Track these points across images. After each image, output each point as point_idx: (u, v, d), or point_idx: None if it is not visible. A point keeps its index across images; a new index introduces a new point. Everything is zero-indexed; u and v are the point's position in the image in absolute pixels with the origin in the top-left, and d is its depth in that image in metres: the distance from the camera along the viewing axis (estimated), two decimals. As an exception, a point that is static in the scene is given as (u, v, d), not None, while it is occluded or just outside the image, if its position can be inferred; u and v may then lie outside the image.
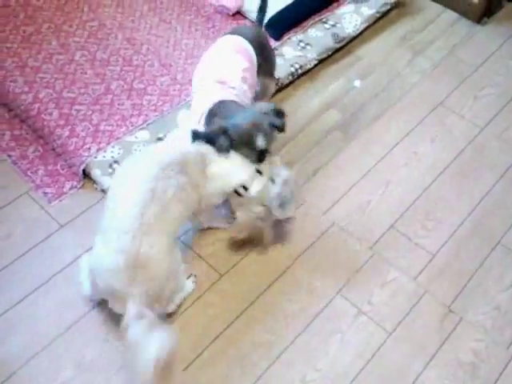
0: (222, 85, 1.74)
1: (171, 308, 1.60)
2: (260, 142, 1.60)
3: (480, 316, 1.69)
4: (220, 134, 1.58)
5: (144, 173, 1.51)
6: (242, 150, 1.61)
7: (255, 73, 1.88)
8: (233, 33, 1.91)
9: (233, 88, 1.74)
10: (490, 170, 2.06)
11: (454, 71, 2.40)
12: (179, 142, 1.63)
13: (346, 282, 1.73)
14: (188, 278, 1.68)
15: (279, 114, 1.67)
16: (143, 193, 1.47)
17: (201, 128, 1.70)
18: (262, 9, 2.04)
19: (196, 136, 1.59)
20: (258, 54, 1.88)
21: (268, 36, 2.06)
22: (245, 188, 1.63)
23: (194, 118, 1.74)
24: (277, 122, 1.64)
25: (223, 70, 1.78)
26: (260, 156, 1.63)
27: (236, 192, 1.64)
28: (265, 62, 1.93)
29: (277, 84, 2.17)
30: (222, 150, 1.59)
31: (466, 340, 1.64)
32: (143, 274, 1.44)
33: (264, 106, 1.69)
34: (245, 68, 1.80)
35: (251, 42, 1.87)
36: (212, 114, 1.69)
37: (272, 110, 1.66)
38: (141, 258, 1.43)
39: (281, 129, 1.66)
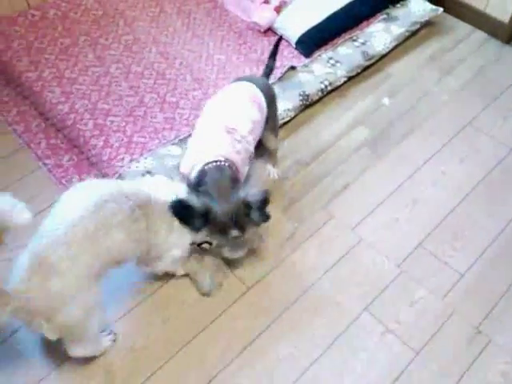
0: (229, 134, 1.67)
1: (69, 350, 1.47)
2: (233, 233, 1.58)
3: (509, 338, 1.67)
4: (197, 217, 1.53)
5: (102, 190, 1.44)
6: (215, 235, 1.59)
7: (262, 127, 1.83)
8: (247, 80, 1.84)
9: (238, 141, 1.68)
10: (520, 191, 2.06)
11: (483, 91, 2.40)
12: (156, 187, 1.56)
13: (373, 299, 1.74)
14: (107, 334, 1.57)
15: (264, 205, 1.60)
16: (89, 204, 1.39)
17: (183, 180, 1.67)
18: (273, 59, 1.99)
19: (175, 207, 1.52)
20: (267, 107, 1.83)
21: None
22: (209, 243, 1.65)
23: (187, 162, 1.69)
24: (257, 217, 1.59)
25: (235, 118, 1.72)
26: (233, 240, 1.61)
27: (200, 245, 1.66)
28: (272, 116, 1.88)
29: (306, 100, 2.20)
30: (194, 229, 1.56)
31: (495, 362, 1.63)
32: (42, 280, 1.32)
33: (253, 195, 1.59)
34: (255, 120, 1.75)
35: (264, 93, 1.82)
36: (202, 176, 1.62)
37: (259, 201, 1.58)
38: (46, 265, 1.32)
39: (259, 224, 1.62)
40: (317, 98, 2.26)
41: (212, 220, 1.55)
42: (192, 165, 1.67)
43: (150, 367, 1.57)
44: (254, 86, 1.81)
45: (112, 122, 2.06)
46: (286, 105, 2.16)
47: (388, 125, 2.25)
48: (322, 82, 2.26)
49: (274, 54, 2.00)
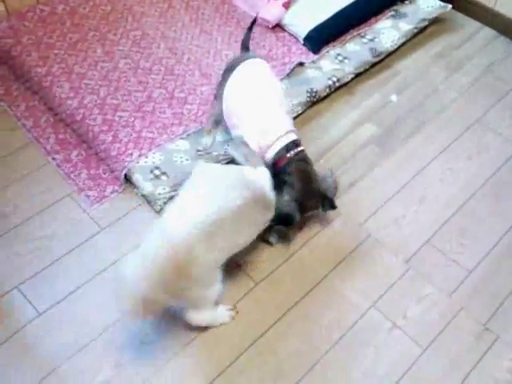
0: (282, 107, 1.83)
1: (189, 316, 1.58)
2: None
3: (516, 335, 1.68)
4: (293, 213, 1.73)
5: (230, 177, 1.54)
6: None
7: None
8: (246, 57, 1.92)
9: (287, 112, 1.86)
10: (528, 188, 2.06)
11: (491, 89, 2.40)
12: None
13: (381, 294, 1.74)
14: (228, 309, 1.67)
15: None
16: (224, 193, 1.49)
17: (269, 155, 1.79)
18: (248, 36, 2.08)
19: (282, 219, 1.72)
20: None
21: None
22: None
23: (263, 142, 1.78)
24: (328, 208, 1.82)
25: (276, 92, 1.85)
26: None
27: None
28: None
29: (313, 97, 2.21)
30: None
31: (502, 359, 1.63)
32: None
33: (330, 187, 1.82)
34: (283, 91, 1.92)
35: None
36: (286, 164, 1.76)
37: (334, 194, 1.83)
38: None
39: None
40: (324, 94, 2.26)
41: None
42: (261, 144, 1.77)
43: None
44: (264, 61, 1.92)
45: (121, 117, 2.07)
46: (293, 101, 2.16)
47: (395, 122, 2.25)
48: (329, 79, 2.26)
49: (249, 31, 2.08)
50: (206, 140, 2.02)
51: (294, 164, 1.76)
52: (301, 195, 1.74)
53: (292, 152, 1.77)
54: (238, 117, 1.84)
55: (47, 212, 1.89)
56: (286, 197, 1.71)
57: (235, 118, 1.84)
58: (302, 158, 1.79)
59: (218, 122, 1.98)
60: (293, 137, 1.80)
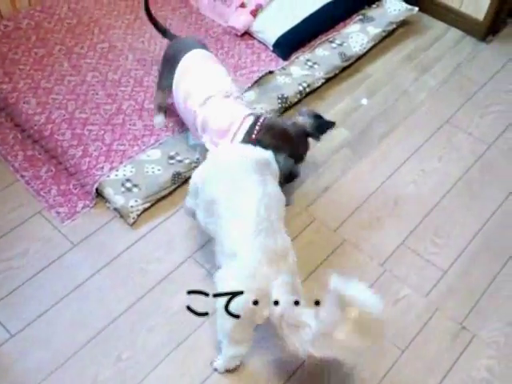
0: (228, 98, 1.84)
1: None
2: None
3: (492, 332, 1.69)
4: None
5: (246, 177, 1.53)
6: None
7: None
8: (188, 47, 1.96)
9: (238, 97, 1.89)
10: (499, 185, 2.08)
11: (460, 89, 2.42)
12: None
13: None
14: None
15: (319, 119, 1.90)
16: (257, 196, 1.48)
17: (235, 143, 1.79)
18: (153, 20, 2.15)
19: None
20: None
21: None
22: None
23: (224, 137, 1.81)
24: (321, 133, 1.87)
25: (219, 83, 1.87)
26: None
27: None
28: None
29: (285, 103, 2.21)
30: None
31: (479, 357, 1.64)
32: (285, 264, 1.44)
33: (307, 123, 1.85)
34: (227, 73, 1.95)
35: (204, 48, 2.00)
36: (259, 132, 1.78)
37: (315, 122, 1.87)
38: (280, 251, 1.44)
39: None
40: (295, 100, 2.26)
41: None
42: (231, 137, 1.80)
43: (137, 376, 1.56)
44: (202, 50, 1.96)
45: (90, 131, 2.04)
46: (265, 108, 2.16)
47: (367, 125, 2.26)
48: (300, 84, 2.27)
49: (149, 14, 2.14)
50: (156, 120, 2.09)
51: (264, 135, 1.77)
52: (288, 148, 1.76)
53: (255, 131, 1.78)
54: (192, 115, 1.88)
55: (17, 231, 1.86)
56: (280, 158, 1.71)
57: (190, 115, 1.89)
58: (268, 125, 1.79)
59: (163, 107, 2.10)
60: (249, 121, 1.81)
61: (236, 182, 1.53)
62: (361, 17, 2.58)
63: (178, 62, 1.92)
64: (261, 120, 1.80)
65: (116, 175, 1.92)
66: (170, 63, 1.95)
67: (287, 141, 1.79)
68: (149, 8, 2.12)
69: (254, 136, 1.77)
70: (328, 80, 2.37)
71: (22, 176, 1.97)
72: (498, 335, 1.68)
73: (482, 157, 2.17)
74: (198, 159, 1.97)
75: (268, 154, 1.63)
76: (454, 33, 2.68)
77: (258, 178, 1.51)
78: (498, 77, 2.48)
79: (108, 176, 1.91)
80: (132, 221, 1.87)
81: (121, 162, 1.95)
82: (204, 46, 2.02)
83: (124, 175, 1.92)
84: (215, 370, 1.58)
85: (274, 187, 1.55)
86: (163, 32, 2.15)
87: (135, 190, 1.89)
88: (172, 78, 1.93)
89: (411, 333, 1.68)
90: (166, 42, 2.41)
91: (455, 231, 1.93)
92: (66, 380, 1.55)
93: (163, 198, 1.94)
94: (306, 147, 1.86)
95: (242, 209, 1.48)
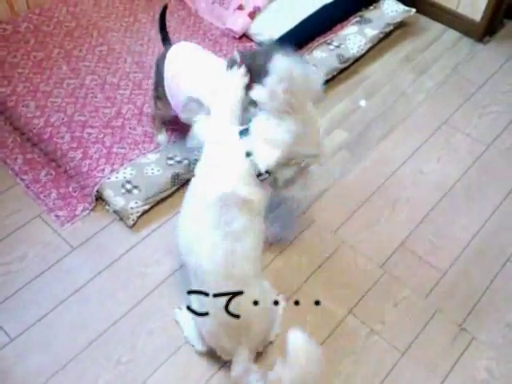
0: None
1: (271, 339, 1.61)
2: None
3: (492, 334, 1.69)
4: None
5: (206, 218, 1.46)
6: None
7: None
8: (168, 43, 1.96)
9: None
10: (498, 186, 2.08)
11: (458, 90, 2.43)
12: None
13: (357, 301, 1.74)
14: (276, 304, 1.62)
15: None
16: (216, 243, 1.43)
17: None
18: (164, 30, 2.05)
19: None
20: None
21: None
22: None
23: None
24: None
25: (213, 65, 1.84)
26: None
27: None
28: None
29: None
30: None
31: (479, 358, 1.64)
32: (248, 335, 1.45)
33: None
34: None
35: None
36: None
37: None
38: (243, 323, 1.43)
39: None
40: (294, 102, 2.26)
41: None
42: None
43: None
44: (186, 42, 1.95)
45: (90, 133, 2.04)
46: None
47: (365, 127, 2.26)
48: (298, 87, 2.27)
49: (163, 25, 2.04)
50: (160, 138, 2.05)
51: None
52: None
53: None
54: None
55: (17, 234, 1.86)
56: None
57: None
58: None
59: (166, 120, 2.04)
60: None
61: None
62: (358, 18, 2.59)
63: (164, 59, 1.89)
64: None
65: (116, 177, 1.92)
66: (159, 66, 1.92)
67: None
68: (165, 18, 2.04)
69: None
70: (326, 82, 2.37)
71: (22, 179, 1.97)
72: (497, 336, 1.69)
73: (480, 157, 2.18)
74: (195, 160, 1.97)
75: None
76: (452, 34, 2.69)
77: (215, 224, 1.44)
78: (496, 77, 2.49)
79: (109, 178, 1.91)
80: (132, 223, 1.87)
81: (121, 165, 1.96)
82: None
83: (124, 177, 1.92)
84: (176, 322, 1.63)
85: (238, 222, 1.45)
86: (165, 44, 2.05)
87: (135, 191, 1.89)
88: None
89: (411, 335, 1.68)
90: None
91: (454, 232, 1.94)
92: (67, 383, 1.55)
93: (163, 200, 1.94)
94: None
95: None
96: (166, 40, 2.03)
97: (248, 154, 1.47)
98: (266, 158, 1.46)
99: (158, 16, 2.05)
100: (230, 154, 1.51)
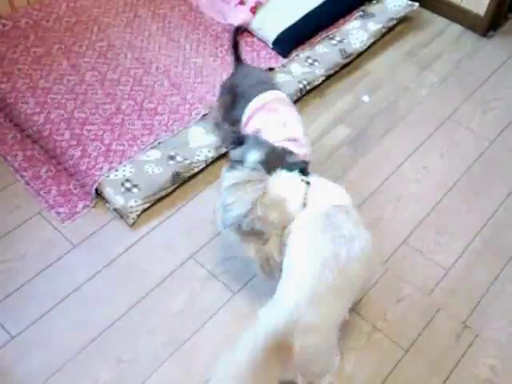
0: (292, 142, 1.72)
1: None
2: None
3: (496, 331, 1.68)
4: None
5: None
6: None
7: None
8: (268, 87, 1.86)
9: (303, 146, 1.75)
10: (501, 182, 2.06)
11: (462, 85, 2.41)
12: None
13: (359, 298, 1.73)
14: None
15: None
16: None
17: None
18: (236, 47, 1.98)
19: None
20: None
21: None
22: None
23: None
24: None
25: (294, 127, 1.77)
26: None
27: None
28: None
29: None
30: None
31: (483, 356, 1.63)
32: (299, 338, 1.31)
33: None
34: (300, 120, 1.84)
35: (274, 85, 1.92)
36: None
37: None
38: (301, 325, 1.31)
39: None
40: (296, 98, 2.24)
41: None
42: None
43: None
44: (280, 92, 1.86)
45: (89, 130, 2.03)
46: (265, 106, 2.14)
47: (368, 122, 2.24)
48: (300, 82, 2.25)
49: (235, 45, 1.97)
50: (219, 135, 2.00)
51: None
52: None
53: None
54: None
55: (17, 232, 1.85)
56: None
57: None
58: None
59: (218, 124, 1.99)
60: None
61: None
62: (361, 13, 2.56)
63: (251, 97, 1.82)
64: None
65: (116, 175, 1.90)
66: (235, 94, 1.88)
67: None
68: (237, 38, 1.98)
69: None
70: (328, 77, 2.35)
71: (22, 176, 1.96)
72: (501, 334, 1.67)
73: (484, 153, 2.15)
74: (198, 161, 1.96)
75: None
76: (455, 28, 2.66)
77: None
78: (500, 72, 2.46)
79: (107, 176, 1.90)
80: (132, 221, 1.86)
81: (120, 162, 1.94)
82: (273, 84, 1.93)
83: (124, 175, 1.91)
84: None
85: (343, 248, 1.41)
86: (237, 59, 1.99)
87: (135, 190, 1.87)
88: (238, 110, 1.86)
89: (414, 332, 1.67)
90: (164, 39, 2.41)
91: (458, 229, 1.92)
92: (67, 382, 1.54)
93: (163, 198, 1.93)
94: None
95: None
96: (238, 60, 1.97)
97: None
98: None
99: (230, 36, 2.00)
100: None
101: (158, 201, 1.92)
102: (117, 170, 1.92)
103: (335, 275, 1.36)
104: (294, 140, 1.73)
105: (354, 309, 1.70)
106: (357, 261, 1.40)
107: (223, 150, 2.02)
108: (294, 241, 1.47)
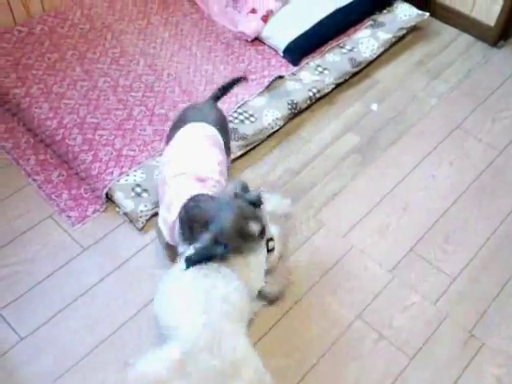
0: (202, 182, 1.61)
1: None
2: (253, 227, 1.45)
3: (502, 341, 1.68)
4: (213, 247, 1.44)
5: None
6: (241, 244, 1.47)
7: (226, 163, 1.78)
8: (195, 118, 1.75)
9: (213, 186, 1.62)
10: (510, 192, 2.06)
11: (471, 94, 2.41)
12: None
13: (366, 305, 1.74)
14: None
15: (246, 188, 1.53)
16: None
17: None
18: (225, 89, 1.95)
19: (190, 262, 1.45)
20: (222, 137, 1.76)
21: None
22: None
23: (170, 218, 1.60)
24: (252, 197, 1.49)
25: (201, 167, 1.64)
26: (261, 236, 1.50)
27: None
28: (226, 141, 1.82)
29: (294, 108, 2.21)
30: (223, 257, 1.47)
31: (489, 365, 1.63)
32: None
33: (231, 186, 1.53)
34: (220, 161, 1.69)
35: (217, 127, 1.75)
36: (186, 212, 1.55)
37: (241, 187, 1.52)
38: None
39: (258, 203, 1.50)
40: (305, 106, 2.26)
41: (226, 236, 1.45)
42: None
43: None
44: (209, 126, 1.73)
45: (101, 136, 2.06)
46: (274, 114, 2.17)
47: (377, 131, 2.26)
48: (310, 90, 2.27)
49: (226, 87, 1.95)
50: None
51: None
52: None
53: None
54: None
55: (28, 234, 1.87)
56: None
57: None
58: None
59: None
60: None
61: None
62: (371, 22, 2.58)
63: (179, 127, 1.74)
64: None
65: (126, 180, 1.93)
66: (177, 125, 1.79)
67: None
68: (233, 85, 1.98)
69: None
70: (338, 85, 2.37)
71: (34, 180, 1.99)
72: (507, 343, 1.67)
73: (493, 163, 2.16)
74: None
75: None
76: (465, 38, 2.67)
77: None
78: (510, 82, 2.47)
79: (118, 181, 1.92)
80: (141, 225, 1.88)
81: (130, 167, 1.97)
82: (218, 124, 1.77)
83: (134, 180, 1.93)
84: None
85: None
86: (214, 98, 1.93)
87: (145, 195, 1.90)
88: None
89: (420, 340, 1.67)
90: (176, 46, 2.44)
91: (465, 238, 1.92)
92: (76, 382, 1.56)
93: (172, 202, 1.95)
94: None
95: None
96: (215, 98, 1.92)
97: None
98: None
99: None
100: None
101: (167, 206, 1.95)
102: (127, 175, 1.94)
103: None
104: (202, 180, 1.61)
105: (360, 316, 1.71)
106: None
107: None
108: None
